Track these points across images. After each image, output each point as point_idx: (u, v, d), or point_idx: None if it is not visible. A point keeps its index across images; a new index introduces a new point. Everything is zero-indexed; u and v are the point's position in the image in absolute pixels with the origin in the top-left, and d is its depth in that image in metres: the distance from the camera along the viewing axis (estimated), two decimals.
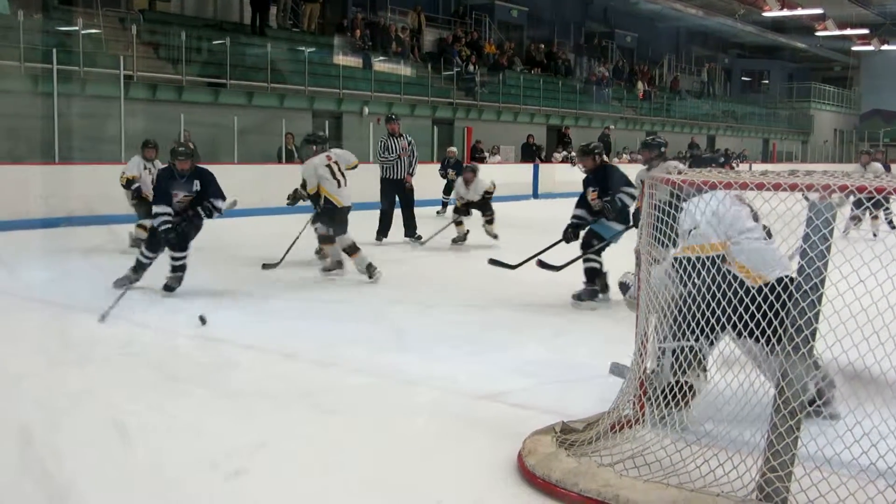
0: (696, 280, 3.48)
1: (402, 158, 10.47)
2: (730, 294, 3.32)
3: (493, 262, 7.37)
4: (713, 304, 3.35)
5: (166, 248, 6.72)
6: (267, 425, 3.83)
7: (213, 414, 3.98)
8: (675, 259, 3.58)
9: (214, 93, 15.89)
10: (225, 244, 9.43)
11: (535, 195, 20.04)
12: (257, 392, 4.33)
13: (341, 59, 18.93)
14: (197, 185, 6.66)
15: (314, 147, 7.86)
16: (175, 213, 6.62)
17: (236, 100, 16.06)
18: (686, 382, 3.48)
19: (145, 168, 9.37)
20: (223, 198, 6.82)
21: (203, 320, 5.42)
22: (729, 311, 3.30)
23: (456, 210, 10.83)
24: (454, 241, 10.64)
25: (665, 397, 3.44)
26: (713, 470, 3.03)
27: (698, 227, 3.62)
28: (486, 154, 20.53)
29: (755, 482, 2.89)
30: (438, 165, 15.64)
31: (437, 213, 15.11)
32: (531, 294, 7.20)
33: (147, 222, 9.41)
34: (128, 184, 9.32)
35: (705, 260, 3.51)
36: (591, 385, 4.33)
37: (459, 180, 10.95)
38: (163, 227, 6.52)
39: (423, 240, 10.65)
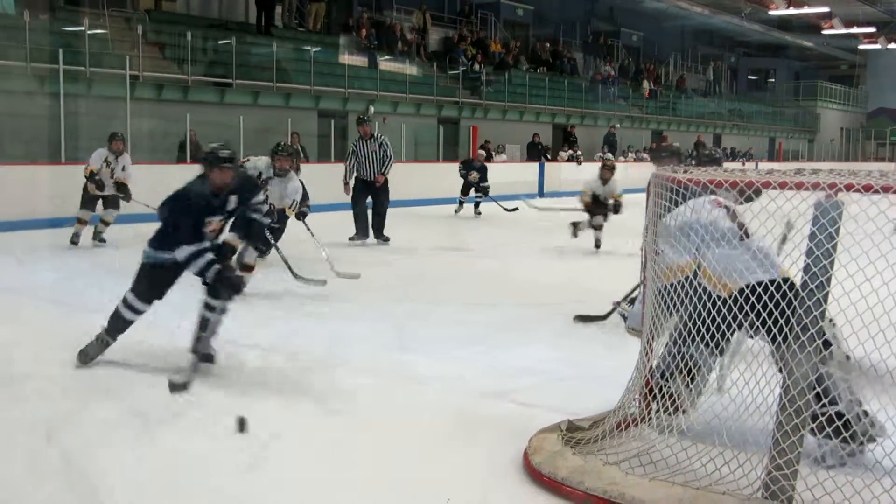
0: (678, 305, 3.47)
1: (371, 162, 10.18)
2: (699, 306, 3.32)
3: (580, 318, 6.12)
4: (689, 324, 3.37)
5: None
6: (273, 425, 3.83)
7: (218, 413, 3.98)
8: (657, 290, 3.56)
9: (220, 92, 15.92)
10: None
11: (541, 194, 20.05)
12: (262, 392, 4.34)
13: (347, 59, 18.93)
14: (233, 203, 4.73)
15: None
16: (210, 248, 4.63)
17: (242, 99, 16.08)
18: (676, 390, 3.48)
19: (106, 161, 9.50)
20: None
21: (242, 424, 3.70)
22: (697, 323, 3.32)
23: (589, 211, 10.30)
24: (577, 228, 10.32)
25: (659, 401, 3.47)
26: (719, 468, 3.04)
27: (663, 252, 3.59)
28: (493, 153, 20.54)
29: (761, 480, 2.90)
30: (444, 164, 15.65)
31: (456, 211, 15.04)
32: (536, 293, 7.20)
33: (84, 215, 9.56)
34: (90, 175, 9.42)
35: (676, 286, 3.45)
36: (597, 383, 4.33)
37: (594, 178, 10.41)
38: (215, 275, 4.50)
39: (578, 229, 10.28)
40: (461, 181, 14.93)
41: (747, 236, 3.54)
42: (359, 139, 10.36)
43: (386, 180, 10.29)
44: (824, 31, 32.55)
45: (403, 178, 15.63)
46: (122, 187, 9.58)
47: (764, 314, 3.12)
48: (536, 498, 3.10)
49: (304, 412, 4.06)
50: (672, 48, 33.54)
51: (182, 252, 4.47)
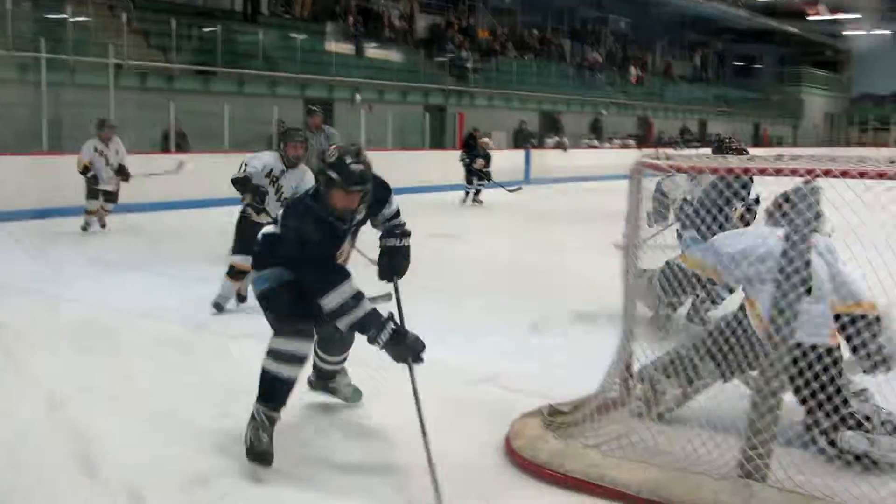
0: (675, 287, 3.52)
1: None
2: (726, 330, 3.37)
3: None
4: (712, 343, 3.39)
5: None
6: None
7: (205, 402, 4.01)
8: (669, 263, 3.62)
9: (205, 80, 15.85)
10: (217, 231, 9.42)
11: (528, 181, 20.05)
12: (251, 381, 4.35)
13: (333, 46, 18.89)
14: (361, 214, 3.58)
15: None
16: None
17: (227, 87, 16.02)
18: (662, 389, 3.51)
19: (96, 150, 9.61)
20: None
21: None
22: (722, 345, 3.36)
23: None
24: None
25: (642, 388, 3.52)
26: (696, 450, 3.08)
27: (705, 249, 3.64)
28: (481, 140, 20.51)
29: (737, 460, 2.94)
30: (431, 152, 15.57)
31: (472, 201, 14.78)
32: (522, 281, 7.23)
33: (92, 206, 9.64)
34: (84, 170, 9.55)
35: (688, 273, 3.56)
36: (578, 368, 4.35)
37: (684, 177, 9.69)
38: (390, 337, 3.40)
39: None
40: (446, 170, 14.82)
41: (809, 292, 3.32)
42: (307, 130, 10.00)
43: None
44: (810, 17, 32.64)
45: (389, 166, 15.59)
46: (121, 169, 9.74)
47: (795, 375, 3.15)
48: (518, 481, 3.14)
49: (293, 399, 4.08)
50: (659, 35, 33.55)
51: (332, 300, 3.19)
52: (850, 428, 3.16)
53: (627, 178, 3.62)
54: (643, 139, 25.74)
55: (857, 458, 3.12)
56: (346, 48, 19.24)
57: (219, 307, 5.92)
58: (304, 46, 17.84)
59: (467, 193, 14.85)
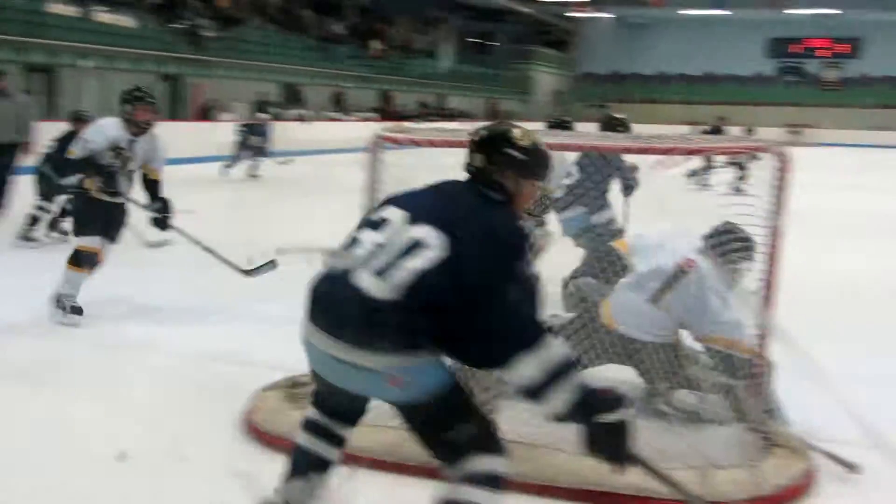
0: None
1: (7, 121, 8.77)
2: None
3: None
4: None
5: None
6: None
7: None
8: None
9: None
10: None
11: (269, 153, 19.82)
12: None
13: (56, 7, 17.55)
14: None
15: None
16: None
17: None
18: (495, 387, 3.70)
19: None
20: None
21: None
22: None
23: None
24: None
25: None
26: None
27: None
28: (215, 111, 19.92)
29: None
30: (170, 123, 14.97)
31: (227, 166, 14.43)
32: (259, 255, 7.22)
33: None
34: None
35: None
36: None
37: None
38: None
39: None
40: (183, 143, 14.31)
41: (656, 301, 3.60)
42: None
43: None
44: None
45: None
46: None
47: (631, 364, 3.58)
48: (261, 455, 3.20)
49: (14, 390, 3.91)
50: (401, 9, 34.12)
51: (542, 363, 2.06)
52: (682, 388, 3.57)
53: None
54: (384, 112, 26.22)
55: (689, 414, 3.49)
56: (71, 10, 17.95)
57: (78, 310, 4.92)
58: (23, 6, 16.46)
59: (228, 166, 14.49)
